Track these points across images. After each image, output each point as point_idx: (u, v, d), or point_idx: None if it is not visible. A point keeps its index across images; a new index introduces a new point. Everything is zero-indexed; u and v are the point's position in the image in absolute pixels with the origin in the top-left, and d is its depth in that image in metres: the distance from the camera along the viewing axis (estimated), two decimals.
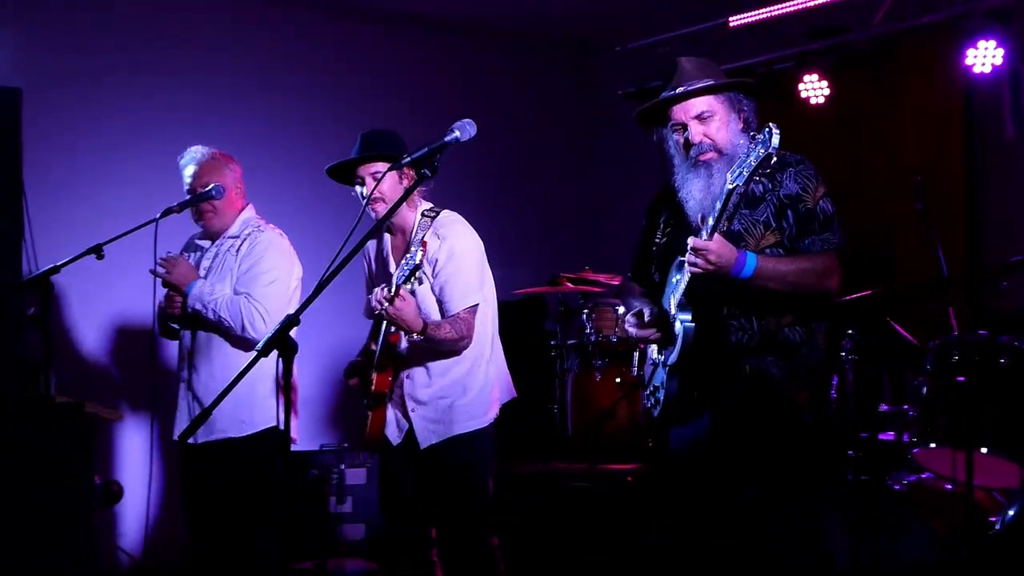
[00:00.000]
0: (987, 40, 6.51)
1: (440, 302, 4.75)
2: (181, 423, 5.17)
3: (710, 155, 3.95)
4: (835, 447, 5.49)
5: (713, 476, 4.01)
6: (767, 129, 3.58)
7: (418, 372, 4.80)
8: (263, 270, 5.13)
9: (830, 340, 4.09)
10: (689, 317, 3.90)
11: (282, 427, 4.95)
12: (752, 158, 3.61)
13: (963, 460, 4.69)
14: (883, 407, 5.65)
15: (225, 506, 5.09)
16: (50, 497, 4.90)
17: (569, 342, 7.20)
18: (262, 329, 4.99)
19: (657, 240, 4.25)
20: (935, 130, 7.16)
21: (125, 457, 6.64)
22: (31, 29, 6.65)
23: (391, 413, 4.84)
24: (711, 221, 3.74)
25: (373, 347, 4.88)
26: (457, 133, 4.05)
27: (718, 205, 3.72)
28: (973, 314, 5.62)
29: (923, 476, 5.24)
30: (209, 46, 7.26)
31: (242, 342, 5.07)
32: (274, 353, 3.52)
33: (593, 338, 6.90)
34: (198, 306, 5.06)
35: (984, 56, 6.54)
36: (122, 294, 6.42)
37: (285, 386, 3.54)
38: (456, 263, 4.71)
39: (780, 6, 7.31)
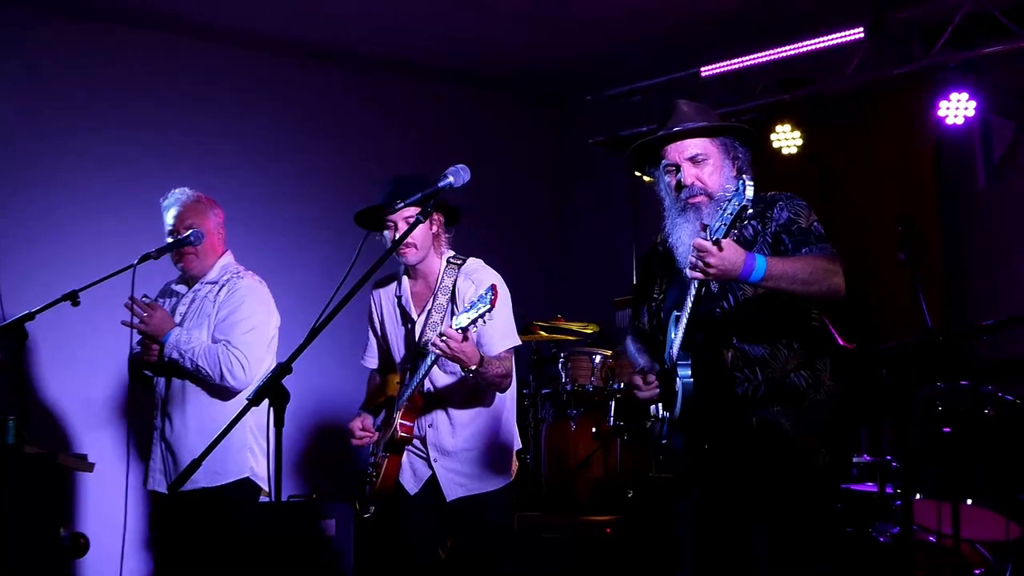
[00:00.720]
0: (959, 92, 6.58)
1: (479, 344, 4.67)
2: (155, 472, 5.09)
3: (700, 199, 3.92)
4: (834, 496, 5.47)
5: (724, 527, 3.97)
6: (740, 181, 3.53)
7: (441, 421, 4.77)
8: (242, 317, 5.06)
9: (839, 379, 4.03)
10: (688, 373, 3.86)
11: (255, 476, 5.01)
12: (728, 212, 3.55)
13: (948, 512, 4.69)
14: (863, 457, 5.64)
15: (196, 556, 4.98)
16: (17, 550, 4.77)
17: (543, 391, 7.15)
18: (241, 377, 4.92)
19: (655, 296, 4.20)
20: (908, 181, 7.21)
21: (95, 507, 6.49)
22: (2, 76, 6.58)
23: (407, 461, 4.79)
24: (714, 226, 3.61)
25: (384, 396, 4.88)
26: (451, 179, 4.06)
27: (716, 226, 3.63)
28: (953, 366, 5.61)
29: (910, 528, 5.21)
30: (184, 91, 7.21)
31: (219, 390, 5.00)
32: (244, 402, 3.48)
33: (568, 387, 6.85)
34: (175, 355, 4.98)
35: (956, 108, 6.61)
36: (97, 341, 6.32)
37: (277, 436, 3.48)
38: (496, 307, 4.60)
39: (751, 56, 7.37)
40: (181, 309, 5.16)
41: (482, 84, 8.37)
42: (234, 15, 7.04)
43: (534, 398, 7.18)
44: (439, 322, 4.68)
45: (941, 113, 6.65)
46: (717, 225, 3.56)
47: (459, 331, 4.36)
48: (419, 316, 4.83)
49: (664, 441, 4.06)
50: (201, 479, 4.93)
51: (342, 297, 3.57)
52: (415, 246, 4.70)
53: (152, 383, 5.17)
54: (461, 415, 4.77)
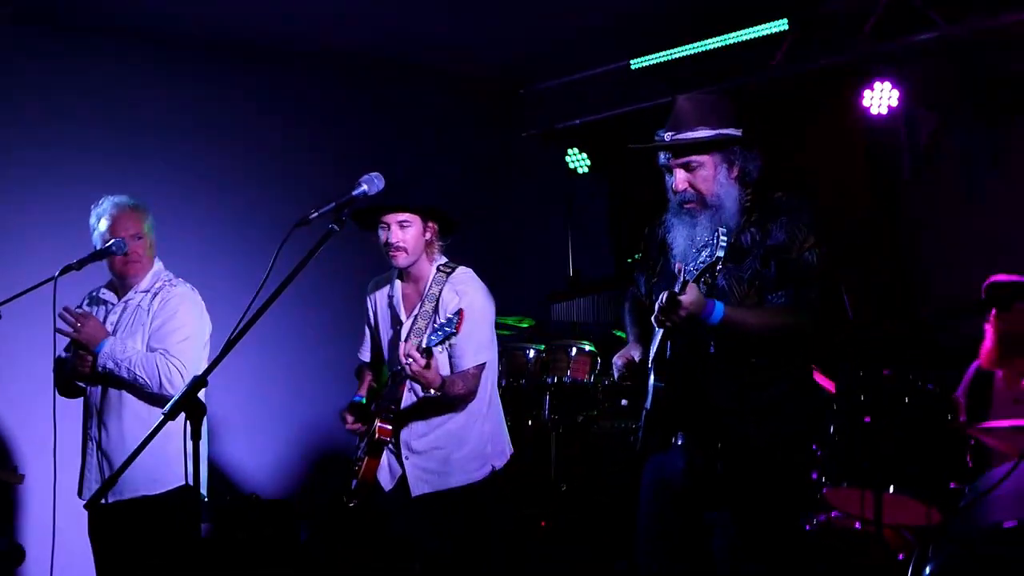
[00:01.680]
0: (883, 82, 6.65)
1: (451, 356, 4.83)
2: (91, 482, 5.07)
3: (692, 204, 3.95)
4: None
5: (686, 512, 4.03)
6: (717, 234, 3.59)
7: (417, 421, 4.88)
8: (177, 326, 5.06)
9: (813, 390, 4.09)
10: (659, 378, 3.92)
11: (190, 484, 5.01)
12: (701, 260, 3.64)
13: (871, 499, 4.75)
14: None
15: (138, 564, 4.97)
16: None
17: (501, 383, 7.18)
18: (180, 384, 4.90)
19: (651, 274, 4.25)
20: (841, 172, 7.28)
21: (29, 519, 6.48)
22: None
23: (385, 458, 4.92)
24: (681, 280, 3.71)
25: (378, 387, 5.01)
26: (365, 187, 4.06)
27: (689, 268, 3.71)
28: (883, 354, 5.69)
29: (832, 515, 5.28)
30: (106, 94, 7.13)
31: (156, 399, 4.98)
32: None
33: (503, 382, 6.89)
34: (110, 364, 4.96)
35: (880, 97, 6.69)
36: (20, 354, 6.27)
37: (195, 447, 3.51)
38: (472, 321, 4.73)
39: (680, 49, 7.42)
40: (112, 319, 5.13)
41: (416, 76, 8.35)
42: (157, 5, 6.97)
43: None
44: (423, 328, 4.81)
45: (866, 103, 6.73)
46: (690, 268, 3.67)
47: (423, 353, 4.49)
48: (407, 319, 4.94)
49: (638, 431, 4.11)
50: (140, 487, 4.96)
51: (256, 309, 3.57)
52: (406, 250, 4.83)
53: (84, 393, 5.15)
54: (436, 416, 4.88)
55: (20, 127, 6.79)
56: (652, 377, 3.95)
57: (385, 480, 4.92)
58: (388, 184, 4.76)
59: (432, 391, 4.67)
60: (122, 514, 4.99)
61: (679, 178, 3.95)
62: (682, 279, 3.68)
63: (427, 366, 4.50)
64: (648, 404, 3.97)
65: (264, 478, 7.38)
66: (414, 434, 4.88)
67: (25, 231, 6.70)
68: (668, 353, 3.92)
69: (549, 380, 6.79)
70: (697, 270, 3.64)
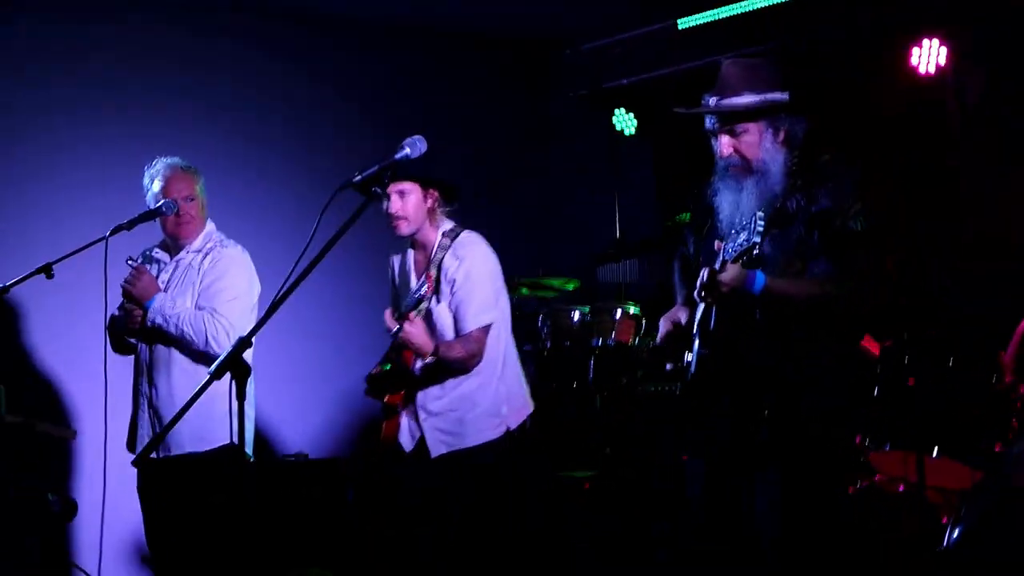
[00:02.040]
0: (931, 39, 6.58)
1: (455, 320, 4.88)
2: (142, 438, 5.16)
3: (738, 169, 3.95)
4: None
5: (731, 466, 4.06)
6: (753, 219, 3.62)
7: (431, 384, 4.93)
8: (226, 286, 5.13)
9: (853, 358, 4.11)
10: (703, 345, 3.95)
11: (236, 443, 5.08)
12: (739, 242, 3.66)
13: (915, 462, 4.76)
14: None
15: (186, 520, 5.09)
16: (3, 517, 4.86)
17: (525, 347, 7.20)
18: (225, 344, 4.97)
19: (698, 237, 4.24)
20: (889, 131, 7.19)
21: (82, 474, 6.58)
22: None
23: (405, 421, 4.99)
24: (720, 259, 3.74)
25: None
26: (408, 150, 4.07)
27: (732, 246, 3.72)
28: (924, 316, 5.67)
29: (876, 478, 5.28)
30: (160, 57, 7.16)
31: (203, 357, 5.06)
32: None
33: (548, 344, 6.91)
34: (159, 320, 5.04)
35: (928, 55, 6.62)
36: (72, 311, 6.35)
37: (239, 408, 3.55)
38: (471, 283, 4.84)
39: (727, 8, 7.37)
40: (164, 277, 5.21)
41: (458, 40, 8.34)
42: None
43: None
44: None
45: (913, 61, 6.66)
46: (728, 248, 3.72)
47: (398, 320, 4.61)
48: (417, 288, 4.95)
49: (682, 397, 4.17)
50: (188, 444, 5.06)
51: (301, 270, 3.61)
52: (406, 219, 4.89)
53: (135, 350, 5.23)
54: (448, 379, 4.93)
55: (63, 91, 6.84)
56: (696, 344, 3.96)
57: (406, 441, 4.98)
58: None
59: (428, 358, 4.75)
60: (170, 470, 5.09)
61: (724, 143, 3.95)
62: (721, 258, 3.70)
63: (403, 329, 4.59)
64: (693, 370, 3.98)
65: (313, 437, 7.46)
66: (429, 397, 4.93)
67: (75, 191, 6.77)
68: (712, 322, 3.93)
69: (594, 343, 6.79)
70: (735, 252, 3.67)
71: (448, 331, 4.89)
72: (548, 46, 8.50)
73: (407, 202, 4.86)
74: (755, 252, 3.64)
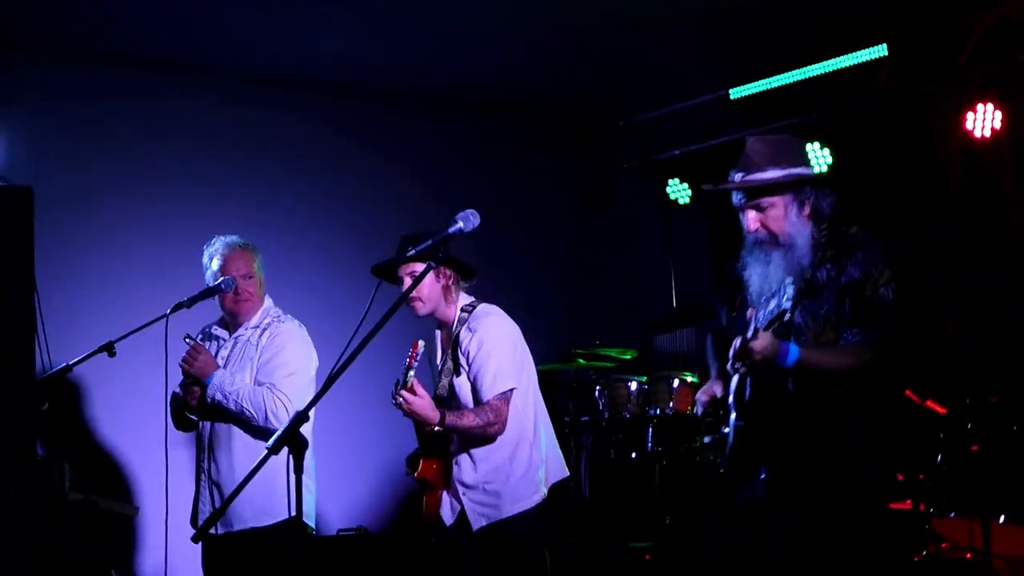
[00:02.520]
0: (985, 104, 6.55)
1: (474, 391, 4.90)
2: (204, 513, 5.21)
3: (766, 243, 3.98)
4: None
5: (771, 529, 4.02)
6: (784, 284, 3.75)
7: (463, 458, 4.93)
8: (284, 360, 5.18)
9: (884, 418, 4.07)
10: (739, 416, 3.96)
11: (304, 516, 5.10)
12: (770, 310, 3.71)
13: (980, 529, 4.68)
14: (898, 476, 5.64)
15: None
16: None
17: (582, 419, 7.19)
18: (284, 419, 5.01)
19: (730, 309, 4.28)
20: (942, 194, 7.16)
21: (145, 552, 6.63)
22: (43, 125, 6.74)
23: (446, 496, 4.98)
24: (752, 327, 3.75)
25: None
26: (460, 224, 4.12)
27: (764, 315, 3.75)
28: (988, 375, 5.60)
29: (942, 546, 5.20)
30: (218, 136, 7.32)
31: (263, 432, 5.09)
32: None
33: (606, 415, 6.90)
34: (219, 396, 5.09)
35: (984, 119, 6.58)
36: (134, 388, 6.44)
37: (297, 481, 3.58)
38: (485, 352, 4.84)
39: (778, 77, 7.40)
40: (223, 354, 5.28)
41: (512, 113, 8.44)
42: (254, 56, 7.19)
43: (574, 426, 7.23)
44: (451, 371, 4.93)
45: (968, 126, 6.63)
46: (760, 316, 3.75)
47: (395, 393, 4.68)
48: (440, 364, 5.05)
49: (721, 468, 4.17)
50: (250, 519, 5.10)
51: (356, 345, 3.65)
52: (421, 300, 4.90)
53: (197, 427, 5.29)
54: (479, 452, 4.91)
55: (126, 168, 6.99)
56: (733, 415, 3.96)
57: (447, 515, 4.97)
58: (401, 241, 4.87)
59: (436, 428, 4.74)
60: (232, 546, 5.12)
61: (751, 218, 3.98)
62: (753, 327, 3.70)
63: (407, 397, 4.62)
64: (731, 441, 3.99)
65: (373, 510, 7.47)
66: (464, 470, 4.92)
67: (136, 268, 6.90)
68: (747, 393, 3.93)
69: (652, 412, 6.78)
70: (767, 319, 3.69)
71: (471, 404, 4.90)
72: (602, 117, 8.57)
73: (421, 284, 4.81)
74: (786, 318, 3.66)
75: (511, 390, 4.87)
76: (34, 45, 6.72)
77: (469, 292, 5.06)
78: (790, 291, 3.64)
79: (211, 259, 5.26)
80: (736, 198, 4.05)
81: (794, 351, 3.80)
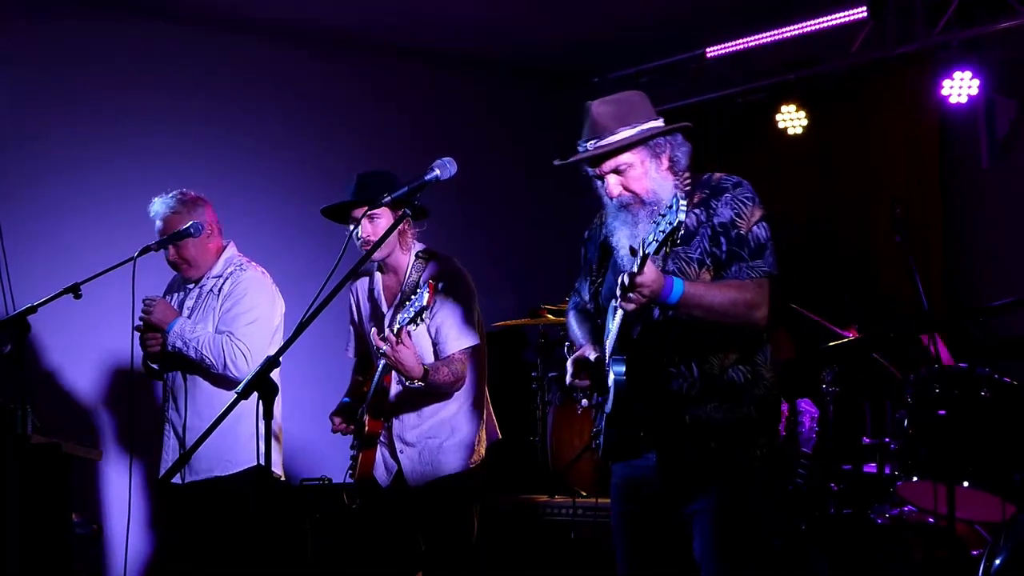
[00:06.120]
0: (963, 71, 6.55)
1: (435, 343, 4.79)
2: (167, 462, 5.17)
3: (632, 205, 3.86)
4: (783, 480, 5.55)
5: (662, 512, 3.91)
6: (674, 199, 3.47)
7: (406, 413, 4.83)
8: (244, 309, 5.13)
9: (775, 368, 4.00)
10: (622, 370, 3.77)
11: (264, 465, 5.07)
12: (661, 229, 3.49)
13: (944, 493, 4.69)
14: (865, 439, 5.66)
15: (209, 544, 5.06)
16: (30, 537, 4.85)
17: (550, 374, 7.18)
18: (243, 368, 4.99)
19: (594, 278, 4.15)
20: (912, 160, 7.20)
21: (108, 496, 6.56)
22: (11, 68, 6.64)
23: (379, 454, 4.87)
24: (641, 254, 3.56)
25: (365, 388, 4.91)
26: (437, 172, 4.03)
27: (648, 240, 3.60)
28: (952, 347, 5.61)
29: (905, 509, 5.23)
30: (185, 83, 7.23)
31: (223, 381, 5.07)
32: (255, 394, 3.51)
33: None
34: (179, 344, 5.05)
35: (960, 86, 6.59)
36: (101, 333, 6.38)
37: (266, 427, 3.52)
38: (452, 305, 4.74)
39: (756, 37, 7.39)
40: (188, 303, 5.24)
41: (485, 68, 8.37)
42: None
43: (541, 381, 7.22)
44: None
45: (944, 92, 6.63)
46: (650, 240, 3.50)
47: (396, 334, 4.42)
48: (388, 310, 4.89)
49: (599, 436, 3.98)
50: (215, 468, 5.07)
51: (328, 292, 3.60)
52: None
53: (163, 376, 5.25)
54: (426, 406, 4.83)
55: (100, 116, 6.92)
56: (611, 373, 3.80)
57: (381, 476, 4.88)
58: (357, 181, 4.77)
59: (416, 382, 4.57)
60: (196, 494, 5.09)
61: (612, 183, 3.86)
62: (641, 253, 3.55)
63: (399, 343, 4.42)
64: (609, 405, 3.84)
65: (339, 461, 7.44)
66: (406, 426, 4.82)
67: (104, 211, 6.83)
68: (630, 338, 3.81)
69: None
70: (658, 241, 3.51)
71: (428, 355, 4.77)
72: (577, 73, 8.52)
73: (377, 226, 4.71)
74: (678, 236, 3.53)
75: (473, 346, 4.80)
76: None
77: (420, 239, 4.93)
78: (683, 204, 3.48)
79: (155, 220, 5.20)
80: (590, 170, 3.94)
81: (679, 284, 3.66)
